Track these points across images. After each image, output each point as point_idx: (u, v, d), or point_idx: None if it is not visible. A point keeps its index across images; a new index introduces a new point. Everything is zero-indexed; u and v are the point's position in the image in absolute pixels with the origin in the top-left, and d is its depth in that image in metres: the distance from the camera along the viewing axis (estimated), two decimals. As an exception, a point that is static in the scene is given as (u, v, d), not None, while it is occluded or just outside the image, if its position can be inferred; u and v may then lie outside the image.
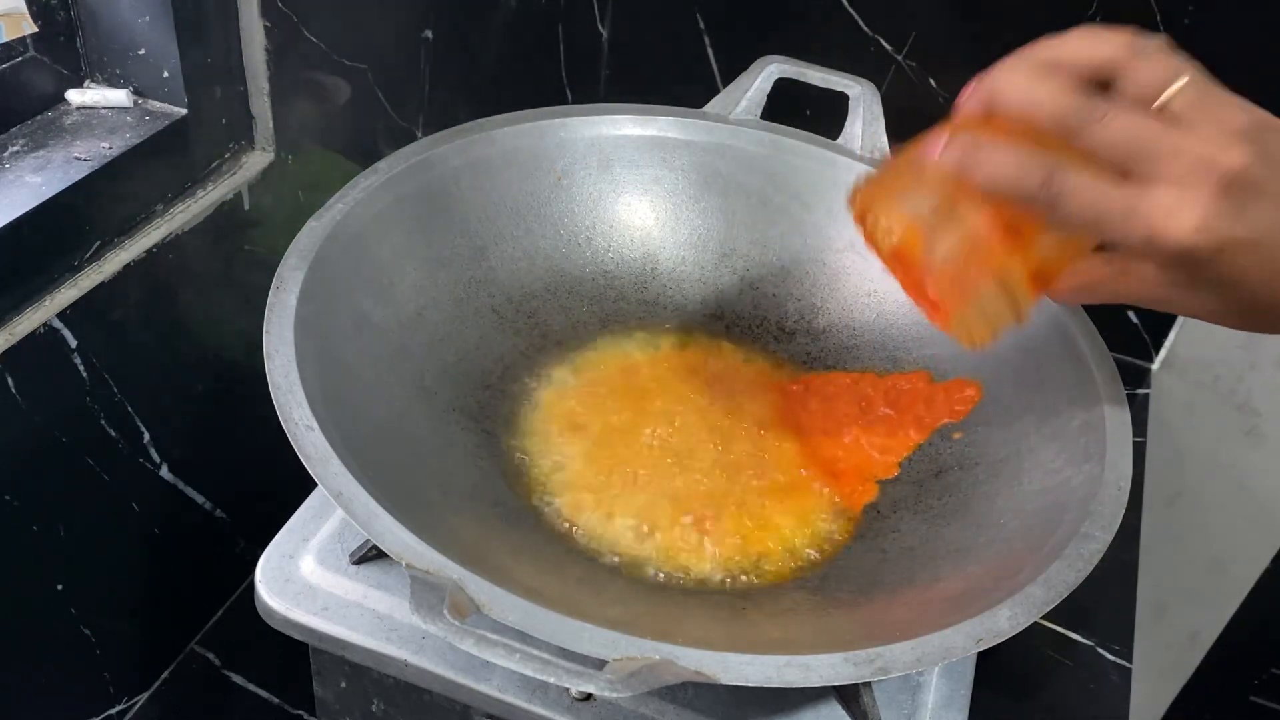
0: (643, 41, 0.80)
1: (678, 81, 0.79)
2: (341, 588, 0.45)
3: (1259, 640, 0.87)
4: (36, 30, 0.52)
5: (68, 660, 0.58)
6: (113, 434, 0.56)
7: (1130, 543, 0.66)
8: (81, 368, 0.52)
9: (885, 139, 0.60)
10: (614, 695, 0.33)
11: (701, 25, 0.76)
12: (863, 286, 0.58)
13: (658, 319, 0.59)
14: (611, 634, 0.34)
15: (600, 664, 0.34)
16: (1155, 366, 0.79)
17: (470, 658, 0.42)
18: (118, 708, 0.62)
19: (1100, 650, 0.62)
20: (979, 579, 0.41)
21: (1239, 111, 0.34)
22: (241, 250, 0.62)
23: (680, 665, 0.34)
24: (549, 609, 0.35)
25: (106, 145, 0.53)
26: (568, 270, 0.58)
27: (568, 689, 0.38)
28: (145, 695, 0.64)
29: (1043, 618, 0.37)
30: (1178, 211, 0.33)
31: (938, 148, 0.37)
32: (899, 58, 0.72)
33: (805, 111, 0.62)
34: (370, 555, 0.45)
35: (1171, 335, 0.77)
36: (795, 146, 0.60)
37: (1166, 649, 0.90)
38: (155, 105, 0.56)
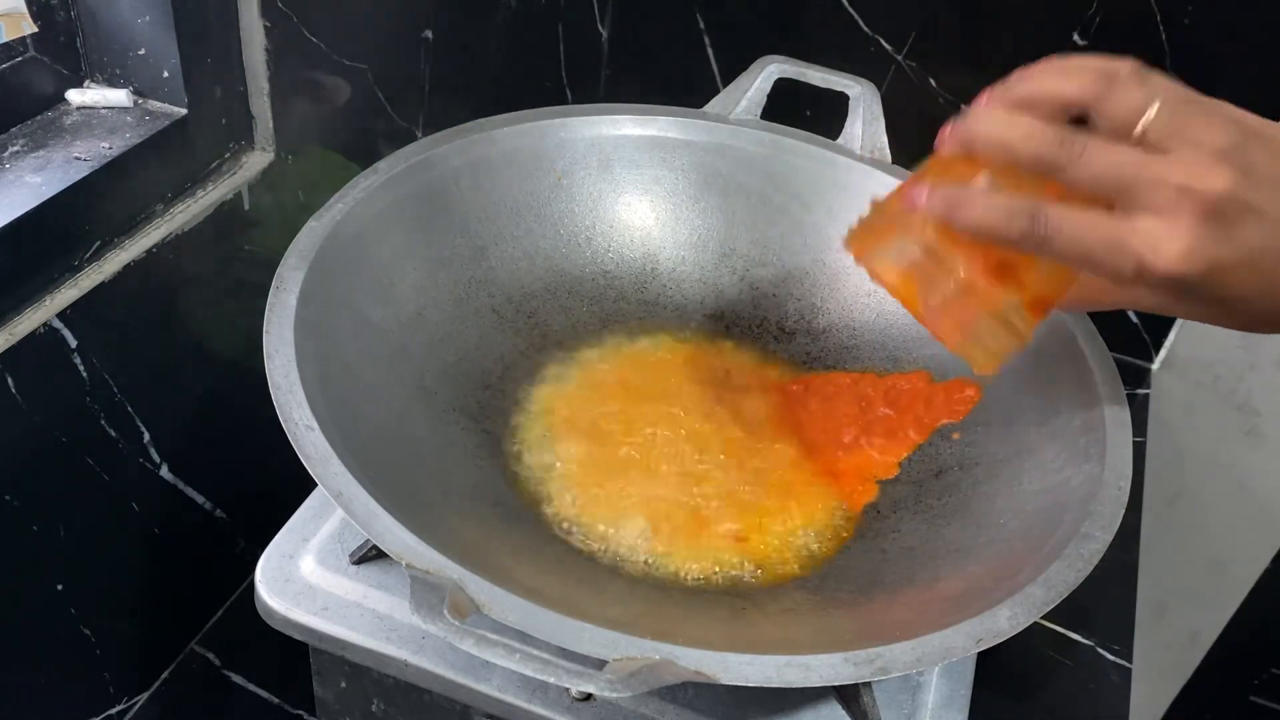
0: (643, 41, 0.80)
1: (678, 81, 0.79)
2: (341, 588, 0.45)
3: (1259, 640, 0.87)
4: (36, 30, 0.52)
5: (68, 660, 0.58)
6: (113, 434, 0.56)
7: (1130, 543, 0.66)
8: (81, 368, 0.52)
9: (885, 139, 0.60)
10: (614, 695, 0.33)
11: (701, 25, 0.76)
12: (863, 286, 0.58)
13: (658, 319, 0.59)
14: (611, 634, 0.34)
15: (600, 664, 0.34)
16: (1155, 366, 0.79)
17: (470, 658, 0.42)
18: (118, 708, 0.62)
19: (1100, 650, 0.62)
20: (979, 579, 0.41)
21: (1219, 127, 0.34)
22: (241, 250, 0.62)
23: (680, 665, 0.34)
24: (549, 609, 0.35)
25: (106, 145, 0.53)
26: (568, 270, 0.58)
27: (568, 689, 0.38)
28: (145, 695, 0.64)
29: (1043, 618, 0.37)
30: (1163, 241, 0.33)
31: (922, 196, 0.38)
32: (899, 58, 0.72)
33: (805, 111, 0.62)
34: (370, 555, 0.45)
35: (1171, 335, 0.77)
36: (795, 146, 0.60)
37: (1166, 649, 0.90)
38: (155, 105, 0.57)
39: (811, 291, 0.59)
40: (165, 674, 0.65)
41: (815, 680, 0.34)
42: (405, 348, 0.50)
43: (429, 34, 0.70)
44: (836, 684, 0.35)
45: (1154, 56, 0.65)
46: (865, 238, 0.41)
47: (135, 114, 0.55)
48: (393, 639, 0.43)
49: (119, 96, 0.55)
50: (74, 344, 0.51)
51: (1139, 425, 0.74)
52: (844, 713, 0.43)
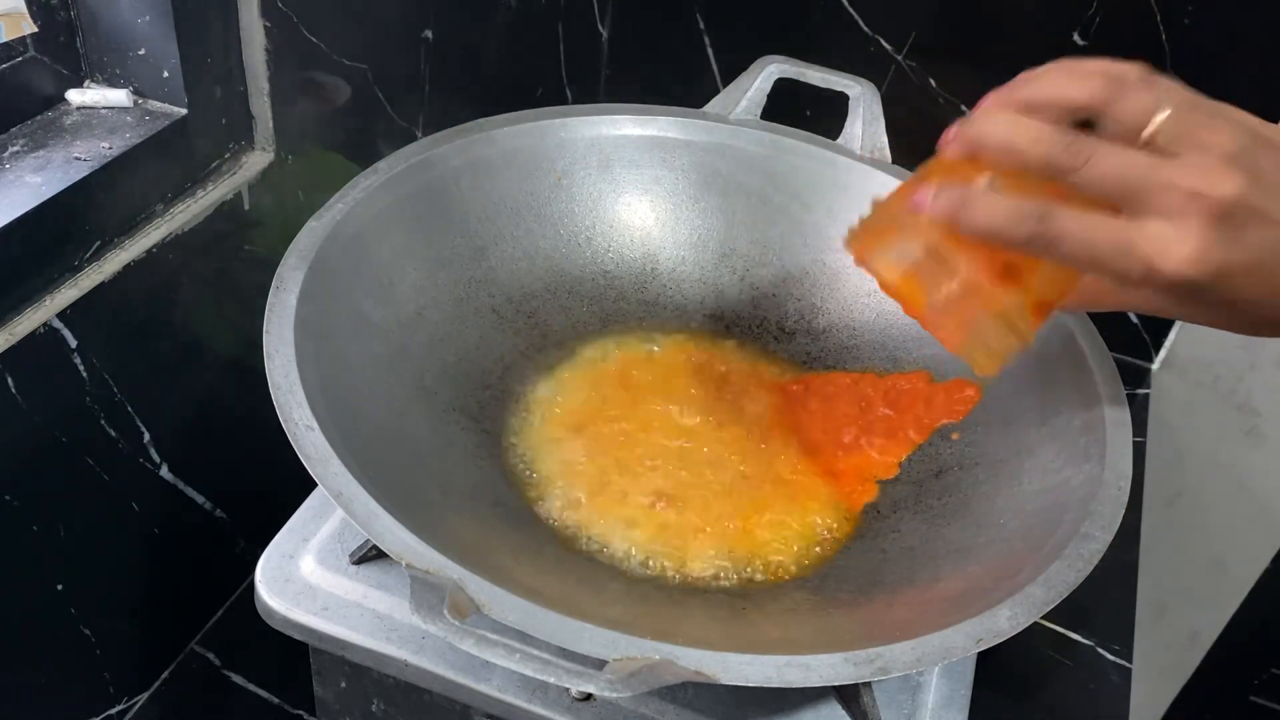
0: (643, 41, 0.80)
1: (678, 81, 0.79)
2: (341, 588, 0.45)
3: (1259, 640, 0.87)
4: (36, 30, 0.52)
5: (68, 660, 0.58)
6: (113, 434, 0.56)
7: (1130, 543, 0.67)
8: (81, 368, 0.52)
9: (885, 139, 0.60)
10: (614, 695, 0.33)
11: (701, 25, 0.76)
12: (863, 286, 0.58)
13: (658, 319, 0.59)
14: (611, 634, 0.34)
15: (600, 664, 0.34)
16: (1155, 366, 0.79)
17: (470, 658, 0.42)
18: (118, 708, 0.62)
19: (1100, 650, 0.62)
20: (979, 579, 0.41)
21: (1228, 132, 0.34)
22: (241, 250, 0.62)
23: (680, 665, 0.34)
24: (549, 609, 0.35)
25: (106, 145, 0.53)
26: (568, 270, 0.58)
27: (568, 689, 0.38)
28: (145, 695, 0.64)
29: (1043, 618, 0.37)
30: (1172, 245, 0.33)
31: (927, 198, 0.37)
32: (899, 58, 0.72)
33: (805, 111, 0.62)
34: (370, 555, 0.45)
35: (1171, 335, 0.77)
36: (795, 146, 0.60)
37: (1166, 649, 0.90)
38: (155, 105, 0.56)
39: (811, 291, 0.59)
40: (165, 674, 0.65)
41: (815, 680, 0.34)
42: (405, 348, 0.50)
43: (429, 34, 0.70)
44: (836, 684, 0.35)
45: (1154, 57, 0.65)
46: (866, 238, 0.41)
47: (135, 114, 0.55)
48: (393, 639, 0.43)
49: (119, 96, 0.55)
50: (74, 344, 0.51)
51: (1139, 425, 0.75)
52: (844, 713, 0.43)
